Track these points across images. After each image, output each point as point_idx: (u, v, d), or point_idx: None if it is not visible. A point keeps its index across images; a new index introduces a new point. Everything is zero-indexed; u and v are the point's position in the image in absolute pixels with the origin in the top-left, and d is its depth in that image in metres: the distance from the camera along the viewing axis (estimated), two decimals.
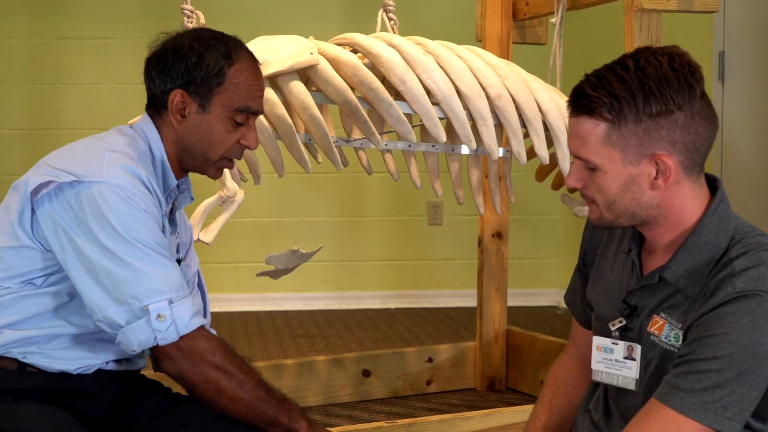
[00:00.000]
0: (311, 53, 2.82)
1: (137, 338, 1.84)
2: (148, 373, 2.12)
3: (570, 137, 1.71)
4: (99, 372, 1.96)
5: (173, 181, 2.00)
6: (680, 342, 1.65)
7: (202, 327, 1.88)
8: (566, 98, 3.14)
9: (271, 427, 1.92)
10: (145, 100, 2.03)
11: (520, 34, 3.80)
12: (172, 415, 2.02)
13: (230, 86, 1.94)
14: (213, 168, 2.01)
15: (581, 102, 1.67)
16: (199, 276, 2.23)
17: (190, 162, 2.00)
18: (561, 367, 2.00)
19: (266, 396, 1.90)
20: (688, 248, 1.67)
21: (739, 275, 1.59)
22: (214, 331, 1.99)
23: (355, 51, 2.96)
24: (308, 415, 1.97)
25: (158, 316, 1.82)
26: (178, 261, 2.06)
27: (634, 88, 1.62)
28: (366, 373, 3.71)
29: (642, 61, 1.63)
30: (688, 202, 1.68)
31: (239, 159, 2.05)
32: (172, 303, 1.83)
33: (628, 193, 1.67)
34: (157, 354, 1.88)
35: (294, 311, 5.50)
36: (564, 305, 2.04)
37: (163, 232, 1.97)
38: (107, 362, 1.97)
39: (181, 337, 1.84)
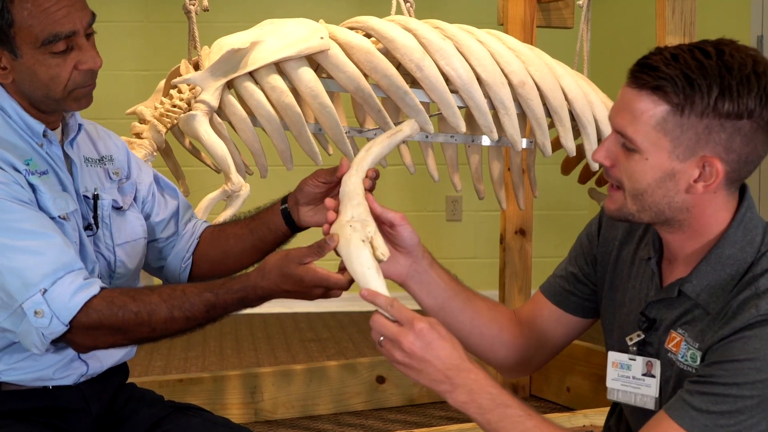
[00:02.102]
0: (321, 38, 2.81)
1: (30, 340, 1.77)
2: (139, 381, 2.11)
3: (618, 110, 1.62)
4: (80, 386, 1.93)
5: (38, 126, 1.90)
6: (698, 363, 1.62)
7: (87, 300, 1.76)
8: (593, 86, 3.16)
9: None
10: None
11: (544, 17, 3.79)
12: (166, 427, 1.99)
13: (22, 22, 1.82)
14: (69, 102, 1.90)
15: (648, 74, 1.57)
16: (158, 182, 2.18)
17: (44, 106, 1.91)
18: (515, 311, 1.97)
19: (184, 322, 1.80)
20: (710, 262, 1.63)
21: (764, 296, 1.55)
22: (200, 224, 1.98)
23: (368, 35, 2.95)
24: (251, 281, 1.80)
25: (35, 312, 1.74)
26: (95, 197, 1.97)
27: (713, 78, 1.54)
28: (380, 380, 3.70)
29: (726, 54, 1.56)
30: (719, 214, 1.64)
31: (93, 82, 1.92)
32: (46, 292, 1.74)
33: (662, 188, 1.60)
34: (62, 343, 1.81)
35: (303, 313, 5.49)
36: None
37: (63, 185, 1.90)
38: (84, 362, 1.92)
39: (70, 323, 1.75)
